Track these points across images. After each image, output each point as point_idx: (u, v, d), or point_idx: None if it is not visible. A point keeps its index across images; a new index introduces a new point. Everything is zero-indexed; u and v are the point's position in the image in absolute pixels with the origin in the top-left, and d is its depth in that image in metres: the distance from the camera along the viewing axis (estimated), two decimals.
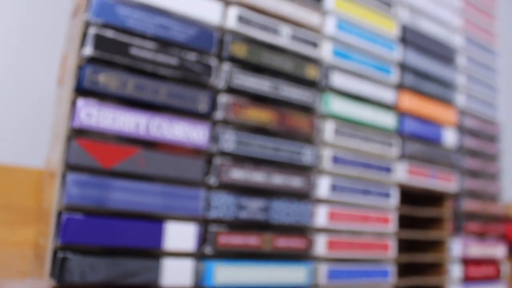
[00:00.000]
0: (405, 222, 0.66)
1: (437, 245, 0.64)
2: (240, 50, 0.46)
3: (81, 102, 0.37)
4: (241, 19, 0.46)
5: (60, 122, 0.39)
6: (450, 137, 0.64)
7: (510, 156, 0.87)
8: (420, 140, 0.61)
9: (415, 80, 0.60)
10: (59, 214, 0.36)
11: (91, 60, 0.39)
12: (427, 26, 0.64)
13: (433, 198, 0.65)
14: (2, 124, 0.50)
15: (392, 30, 0.59)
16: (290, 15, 0.50)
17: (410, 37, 0.61)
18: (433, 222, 0.65)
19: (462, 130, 0.67)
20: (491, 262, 0.68)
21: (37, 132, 0.51)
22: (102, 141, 0.38)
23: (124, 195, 0.38)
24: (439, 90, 0.64)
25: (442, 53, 0.65)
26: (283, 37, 0.49)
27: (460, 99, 0.67)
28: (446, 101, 0.65)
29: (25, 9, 0.54)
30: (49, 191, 0.41)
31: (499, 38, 0.77)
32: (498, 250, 0.69)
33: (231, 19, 0.45)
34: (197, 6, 0.44)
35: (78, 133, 0.38)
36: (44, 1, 0.55)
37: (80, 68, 0.38)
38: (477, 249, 0.66)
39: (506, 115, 0.87)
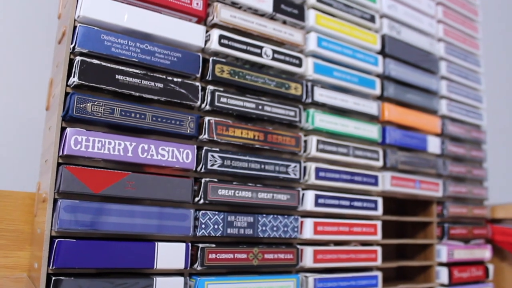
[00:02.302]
0: (394, 228, 0.68)
1: (425, 250, 0.66)
2: (224, 71, 0.48)
3: (69, 130, 0.39)
4: (224, 40, 0.48)
5: (50, 148, 0.41)
6: (434, 145, 0.66)
7: (495, 159, 0.89)
8: (404, 149, 0.63)
9: (396, 91, 0.63)
10: (52, 239, 0.38)
11: (78, 88, 0.41)
12: (408, 37, 0.66)
13: (419, 204, 0.68)
14: None
15: (375, 43, 0.61)
16: (273, 34, 0.52)
17: (390, 49, 0.63)
18: (421, 228, 0.67)
19: (446, 137, 0.70)
20: (478, 264, 0.70)
21: (28, 157, 0.52)
22: (91, 166, 0.40)
23: (115, 218, 0.40)
24: (422, 99, 0.66)
25: (424, 62, 0.67)
26: (266, 56, 0.51)
27: (444, 107, 0.69)
28: (429, 109, 0.67)
29: (13, 35, 0.55)
30: (41, 216, 0.43)
31: (481, 44, 0.79)
32: (484, 252, 0.71)
33: (214, 41, 0.47)
34: (180, 29, 0.46)
35: (67, 160, 0.40)
36: (32, 27, 0.57)
37: (68, 96, 0.40)
38: (464, 252, 0.68)
39: (491, 120, 0.89)
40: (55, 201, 0.39)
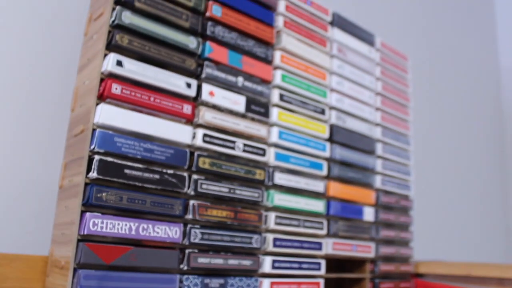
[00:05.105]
0: (334, 284, 0.85)
1: None
2: (205, 163, 0.63)
3: (89, 215, 0.53)
4: (206, 138, 0.64)
5: (70, 226, 0.55)
6: (369, 214, 0.84)
7: (420, 223, 1.09)
8: (344, 219, 0.80)
9: (340, 171, 0.80)
10: None
11: (96, 180, 0.55)
12: (351, 124, 0.84)
13: (355, 263, 0.85)
14: (11, 220, 0.65)
15: (324, 132, 0.79)
16: (244, 130, 0.68)
17: (336, 136, 0.81)
18: (356, 282, 0.84)
19: (380, 206, 0.88)
20: None
21: (36, 225, 0.65)
22: (102, 242, 0.54)
23: (121, 284, 0.54)
24: (360, 176, 0.84)
25: (364, 145, 0.86)
26: (238, 149, 0.67)
27: (378, 181, 0.88)
28: (366, 184, 0.85)
29: (28, 116, 0.68)
30: (56, 278, 0.56)
31: (411, 126, 0.99)
32: None
33: (199, 139, 0.63)
34: (173, 130, 0.61)
35: (85, 237, 0.54)
36: (46, 115, 0.70)
37: (88, 187, 0.54)
38: None
39: (418, 190, 1.10)
40: (74, 270, 0.53)
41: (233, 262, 0.64)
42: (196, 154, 0.63)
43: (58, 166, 0.69)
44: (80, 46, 0.72)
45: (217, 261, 0.63)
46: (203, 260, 0.61)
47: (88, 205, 0.54)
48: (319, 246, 0.75)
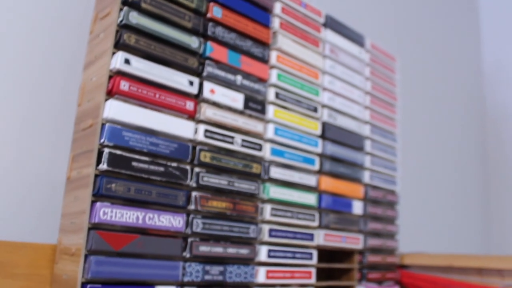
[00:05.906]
0: (324, 273, 0.89)
1: None
2: (206, 157, 0.67)
3: (99, 204, 0.56)
4: (207, 133, 0.67)
5: (79, 215, 0.58)
6: (358, 207, 0.89)
7: (405, 217, 1.14)
8: (334, 212, 0.85)
9: (331, 166, 0.84)
10: (83, 285, 0.55)
11: (105, 172, 0.58)
12: (342, 122, 0.88)
13: (345, 254, 0.89)
14: (20, 210, 0.67)
15: (316, 129, 0.83)
16: (242, 126, 0.72)
17: (328, 133, 0.85)
18: (345, 272, 0.89)
19: (368, 200, 0.92)
20: None
21: (45, 215, 0.68)
22: (111, 230, 0.57)
23: (128, 269, 0.57)
24: (350, 171, 0.88)
25: (353, 141, 0.90)
26: (237, 144, 0.70)
27: (367, 177, 0.92)
28: (355, 179, 0.90)
29: (33, 112, 0.71)
30: (65, 264, 0.59)
31: (398, 124, 1.04)
32: None
33: (200, 134, 0.66)
34: (176, 125, 0.65)
35: (95, 225, 0.57)
36: (52, 107, 0.73)
37: (98, 178, 0.57)
38: None
39: (404, 185, 1.14)
40: (86, 256, 0.56)
41: (231, 250, 0.68)
42: (198, 148, 0.66)
43: (61, 158, 0.71)
44: (84, 43, 0.75)
45: (217, 249, 0.66)
46: (204, 249, 0.65)
47: (98, 195, 0.57)
48: (311, 237, 0.79)
